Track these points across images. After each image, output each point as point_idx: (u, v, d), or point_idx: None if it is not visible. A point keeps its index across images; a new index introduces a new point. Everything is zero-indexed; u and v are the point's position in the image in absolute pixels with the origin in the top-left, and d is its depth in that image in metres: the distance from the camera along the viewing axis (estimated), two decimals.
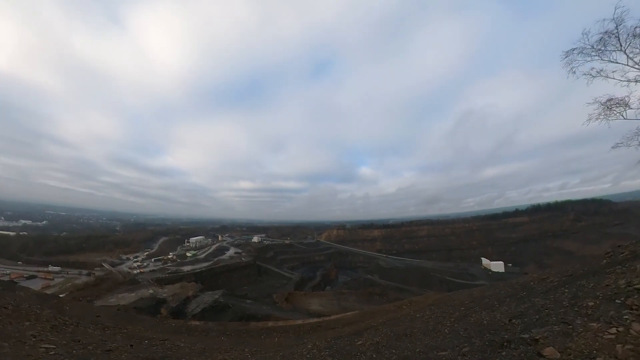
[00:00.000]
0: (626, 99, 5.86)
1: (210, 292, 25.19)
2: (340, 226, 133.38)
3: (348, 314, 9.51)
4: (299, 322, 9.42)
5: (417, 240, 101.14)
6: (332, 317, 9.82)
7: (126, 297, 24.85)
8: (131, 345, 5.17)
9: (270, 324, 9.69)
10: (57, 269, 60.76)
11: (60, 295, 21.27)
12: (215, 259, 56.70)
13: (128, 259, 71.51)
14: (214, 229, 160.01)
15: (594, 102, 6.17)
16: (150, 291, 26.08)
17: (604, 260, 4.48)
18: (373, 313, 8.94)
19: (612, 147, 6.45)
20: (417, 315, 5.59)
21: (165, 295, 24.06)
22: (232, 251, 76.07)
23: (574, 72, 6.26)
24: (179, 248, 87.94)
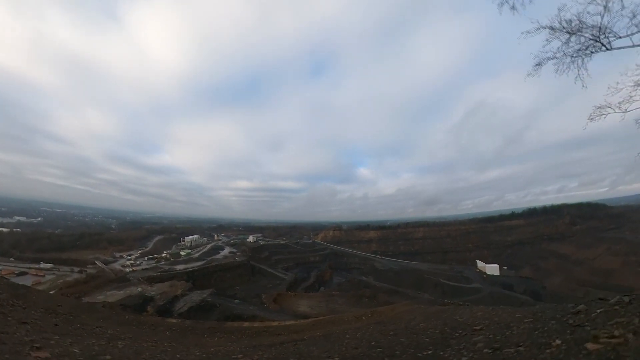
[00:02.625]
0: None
1: (199, 292, 24.86)
2: (337, 227, 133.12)
3: (303, 321, 9.26)
4: (275, 323, 9.14)
5: (413, 242, 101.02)
6: (287, 322, 9.53)
7: (114, 295, 24.53)
8: (56, 325, 5.06)
9: (245, 324, 9.44)
10: (48, 265, 60.19)
11: (51, 292, 20.94)
12: (209, 258, 56.29)
13: (122, 257, 70.93)
14: (210, 228, 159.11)
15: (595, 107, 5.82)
16: (139, 289, 25.73)
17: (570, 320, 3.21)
18: (328, 322, 8.61)
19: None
20: (349, 335, 5.31)
21: (153, 293, 23.71)
22: (226, 250, 75.60)
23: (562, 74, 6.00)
24: (173, 247, 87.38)
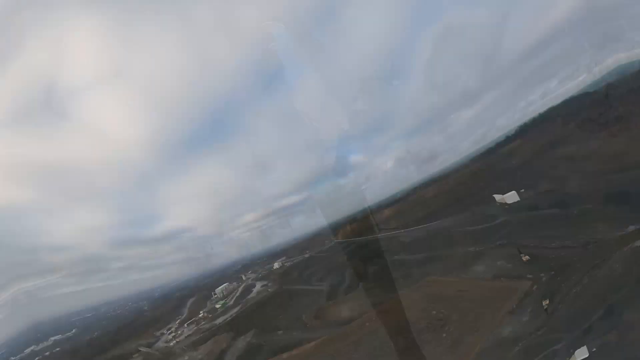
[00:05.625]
0: None
1: (242, 337, 24.35)
2: (352, 219, 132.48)
3: (338, 330, 8.74)
4: (312, 344, 8.69)
5: (428, 202, 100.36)
6: (321, 339, 9.07)
7: None
8: None
9: (284, 356, 8.97)
10: None
11: None
12: (243, 300, 55.40)
13: (162, 334, 69.80)
14: (235, 271, 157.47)
15: None
16: (186, 358, 25.08)
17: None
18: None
19: None
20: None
21: (200, 357, 23.17)
22: (258, 286, 74.50)
23: None
24: (207, 303, 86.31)
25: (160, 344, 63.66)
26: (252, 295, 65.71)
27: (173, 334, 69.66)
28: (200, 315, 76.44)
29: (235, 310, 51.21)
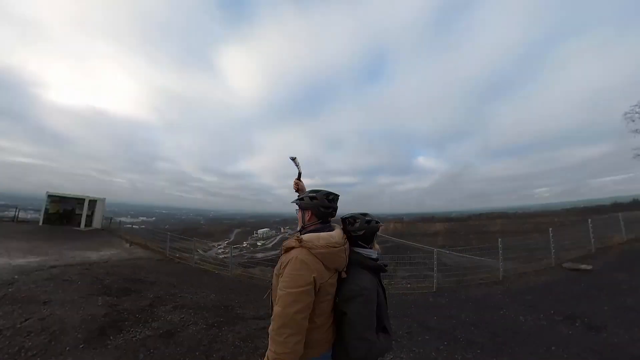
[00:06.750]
0: None
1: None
2: (398, 219, 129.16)
3: None
4: None
5: (488, 235, 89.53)
6: None
7: None
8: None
9: None
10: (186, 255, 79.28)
11: None
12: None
13: (214, 246, 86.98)
14: (276, 222, 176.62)
15: None
16: (239, 271, 32.02)
17: None
18: None
19: None
20: None
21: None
22: None
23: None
24: (249, 238, 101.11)
25: (213, 253, 79.34)
26: None
27: (222, 249, 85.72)
28: (244, 245, 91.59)
29: (272, 252, 59.88)
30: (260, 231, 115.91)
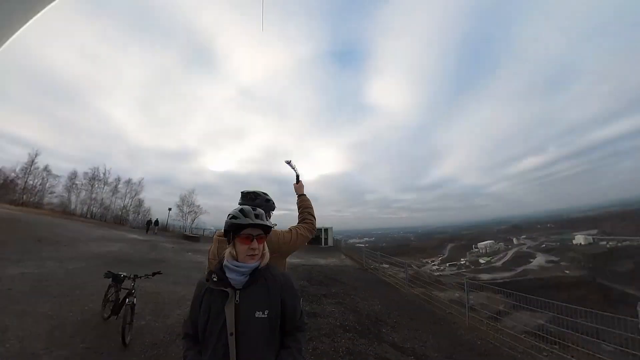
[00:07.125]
0: None
1: (529, 313, 21.31)
2: None
3: None
4: None
5: None
6: None
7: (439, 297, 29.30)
8: None
9: None
10: (386, 266, 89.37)
11: None
12: (519, 269, 47.53)
13: (426, 262, 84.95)
14: (501, 231, 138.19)
15: None
16: (457, 294, 28.37)
17: None
18: None
19: None
20: None
21: (472, 302, 24.74)
22: (541, 258, 59.61)
23: None
24: (467, 254, 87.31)
25: (426, 269, 77.72)
26: (531, 266, 54.78)
27: (436, 266, 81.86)
28: (462, 262, 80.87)
29: (504, 274, 46.78)
30: (481, 245, 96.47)
